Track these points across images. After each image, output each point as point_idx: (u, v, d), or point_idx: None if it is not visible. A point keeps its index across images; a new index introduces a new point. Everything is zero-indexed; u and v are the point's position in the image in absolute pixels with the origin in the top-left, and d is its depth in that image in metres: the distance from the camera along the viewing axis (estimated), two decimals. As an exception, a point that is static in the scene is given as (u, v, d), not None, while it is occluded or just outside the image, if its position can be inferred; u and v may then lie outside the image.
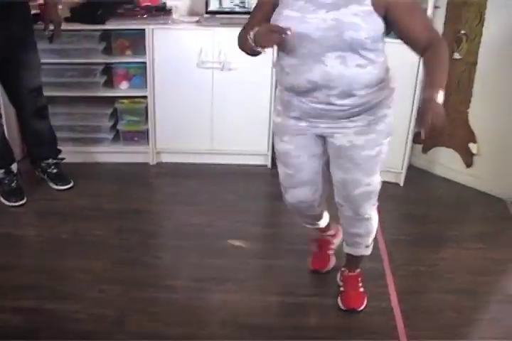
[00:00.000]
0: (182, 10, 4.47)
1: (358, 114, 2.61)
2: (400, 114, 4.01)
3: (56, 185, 4.16)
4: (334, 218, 3.20)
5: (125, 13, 4.28)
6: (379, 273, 3.36)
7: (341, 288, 3.18)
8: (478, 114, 4.15)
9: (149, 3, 4.36)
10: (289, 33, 2.37)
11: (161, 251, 3.55)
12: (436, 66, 2.45)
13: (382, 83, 2.61)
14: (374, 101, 2.61)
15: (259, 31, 2.45)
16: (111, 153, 4.50)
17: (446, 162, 4.39)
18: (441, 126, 2.27)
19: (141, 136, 4.48)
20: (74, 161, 4.34)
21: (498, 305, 3.19)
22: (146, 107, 4.36)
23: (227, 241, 3.61)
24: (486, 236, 3.75)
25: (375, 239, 3.60)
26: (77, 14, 4.20)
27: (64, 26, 4.00)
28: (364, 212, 2.87)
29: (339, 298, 3.13)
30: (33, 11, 3.92)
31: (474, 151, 4.21)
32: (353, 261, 3.15)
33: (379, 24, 2.46)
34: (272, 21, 2.52)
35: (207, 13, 4.31)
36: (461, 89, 4.16)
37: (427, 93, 2.36)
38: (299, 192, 2.93)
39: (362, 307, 3.10)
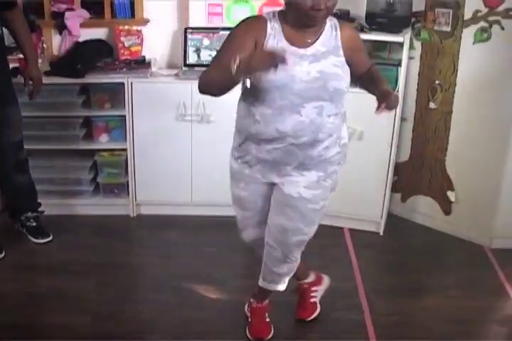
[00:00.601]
0: (161, 63, 4.52)
1: (308, 169, 2.75)
2: (378, 163, 4.09)
3: (35, 238, 4.12)
4: (313, 267, 3.22)
5: (104, 66, 4.31)
6: (360, 323, 3.35)
7: (249, 319, 3.27)
8: (455, 162, 4.20)
9: (129, 57, 4.41)
10: (287, 62, 2.33)
11: (140, 305, 3.52)
12: (379, 77, 2.77)
13: (339, 137, 2.77)
14: (327, 156, 2.74)
15: (260, 53, 2.37)
16: (91, 206, 4.49)
17: (424, 210, 4.42)
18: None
19: (121, 189, 4.47)
20: (54, 214, 4.31)
21: (480, 354, 3.20)
22: (126, 160, 4.36)
23: (206, 294, 3.60)
24: (466, 284, 3.76)
25: (356, 289, 3.62)
26: (57, 68, 4.22)
27: (44, 80, 4.01)
28: (292, 256, 2.98)
29: (247, 328, 3.23)
30: (13, 65, 3.95)
31: (452, 199, 4.24)
32: (264, 293, 3.21)
33: (349, 73, 2.65)
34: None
35: (185, 65, 4.35)
36: (437, 138, 4.22)
37: (384, 88, 2.62)
38: (254, 232, 3.04)
39: (269, 337, 3.19)
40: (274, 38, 2.58)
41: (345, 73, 2.62)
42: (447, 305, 3.54)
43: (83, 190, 4.48)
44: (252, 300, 3.28)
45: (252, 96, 2.63)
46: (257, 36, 2.58)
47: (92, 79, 4.21)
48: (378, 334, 3.25)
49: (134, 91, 4.17)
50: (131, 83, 4.15)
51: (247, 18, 2.69)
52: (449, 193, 4.25)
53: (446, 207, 4.30)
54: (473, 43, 3.90)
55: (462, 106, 4.07)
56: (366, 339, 3.22)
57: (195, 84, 4.05)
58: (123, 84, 4.16)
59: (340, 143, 2.81)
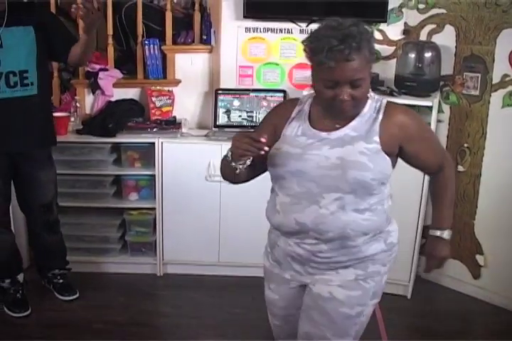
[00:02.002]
0: (191, 123, 4.57)
1: (345, 266, 2.36)
2: (406, 226, 4.03)
3: (62, 295, 4.12)
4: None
5: (135, 126, 4.37)
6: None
7: None
8: (483, 226, 4.17)
9: (160, 117, 4.47)
10: (266, 149, 2.16)
11: (165, 367, 3.50)
12: (443, 200, 2.47)
13: (381, 233, 2.39)
14: (367, 253, 2.36)
15: (235, 137, 2.23)
16: (118, 264, 4.50)
17: (453, 273, 4.36)
18: (445, 260, 2.36)
19: (149, 247, 4.48)
20: (81, 271, 4.32)
21: None
22: (155, 219, 4.38)
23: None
24: (496, 352, 3.69)
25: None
26: (89, 127, 4.30)
27: (75, 138, 4.15)
28: None
29: None
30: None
31: (481, 263, 4.20)
32: None
33: (387, 164, 2.28)
34: (269, 156, 2.34)
35: (215, 126, 4.40)
36: (466, 201, 4.20)
37: (433, 231, 2.48)
38: None
39: None
40: (297, 120, 2.36)
41: (374, 163, 2.22)
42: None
43: (111, 248, 4.50)
44: None
45: (274, 183, 2.43)
46: (277, 122, 2.40)
47: (123, 138, 4.29)
48: None
49: (164, 151, 4.22)
50: (162, 143, 4.20)
51: (281, 103, 2.62)
52: (478, 257, 4.21)
53: (475, 270, 4.24)
54: (502, 107, 3.93)
55: (491, 170, 4.07)
56: None
57: (224, 145, 4.18)
58: (153, 143, 4.21)
59: (387, 241, 2.41)
